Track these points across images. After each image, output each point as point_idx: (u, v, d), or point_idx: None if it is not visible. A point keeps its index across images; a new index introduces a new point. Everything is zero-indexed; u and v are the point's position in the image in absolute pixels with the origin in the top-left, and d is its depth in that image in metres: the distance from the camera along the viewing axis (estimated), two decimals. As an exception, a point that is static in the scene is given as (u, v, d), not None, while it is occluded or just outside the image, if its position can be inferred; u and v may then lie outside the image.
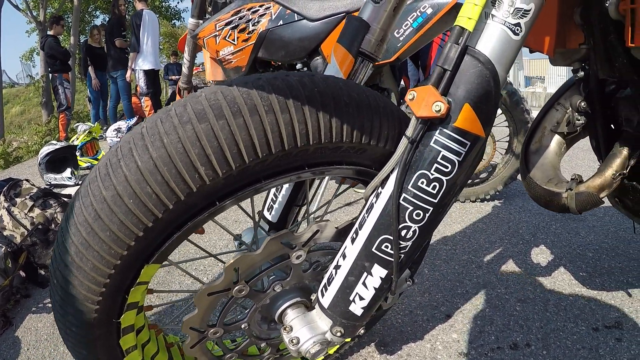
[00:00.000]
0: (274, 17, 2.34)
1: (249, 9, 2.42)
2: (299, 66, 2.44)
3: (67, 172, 4.04)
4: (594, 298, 1.73)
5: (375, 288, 0.82)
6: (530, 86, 12.76)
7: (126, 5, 7.89)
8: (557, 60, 1.24)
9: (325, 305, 0.87)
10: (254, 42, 2.35)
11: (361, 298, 0.83)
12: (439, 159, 0.74)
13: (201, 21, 2.64)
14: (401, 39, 2.22)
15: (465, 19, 0.72)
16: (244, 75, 2.46)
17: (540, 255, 2.08)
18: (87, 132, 4.73)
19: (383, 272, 0.81)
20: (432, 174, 0.74)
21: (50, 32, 7.23)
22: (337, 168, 0.82)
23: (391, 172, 0.78)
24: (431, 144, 0.74)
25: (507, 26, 0.73)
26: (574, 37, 1.17)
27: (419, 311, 1.64)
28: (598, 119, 1.19)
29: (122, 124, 5.43)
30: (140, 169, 0.67)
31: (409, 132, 0.75)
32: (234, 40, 2.43)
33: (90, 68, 7.47)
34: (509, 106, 2.57)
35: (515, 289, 1.77)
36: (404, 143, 0.76)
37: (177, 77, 9.09)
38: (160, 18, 19.37)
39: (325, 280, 0.88)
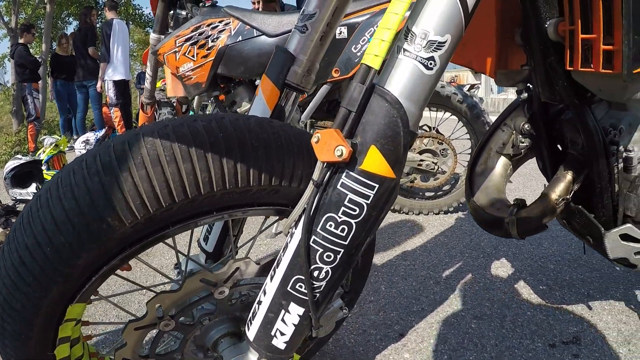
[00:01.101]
0: (233, 33, 2.36)
1: (208, 25, 2.44)
2: (258, 82, 2.46)
3: (32, 187, 4.02)
4: (553, 312, 1.77)
5: (294, 324, 0.83)
6: (502, 92, 12.89)
7: (98, 15, 7.85)
8: (500, 81, 1.24)
9: (251, 339, 0.89)
10: (213, 58, 2.37)
11: (282, 333, 0.85)
12: (346, 202, 0.75)
13: (162, 36, 2.66)
14: (358, 54, 2.26)
15: (372, 57, 0.71)
16: (203, 91, 2.49)
17: (501, 268, 2.12)
18: (53, 145, 4.71)
19: (300, 310, 0.82)
20: (340, 217, 0.75)
21: (20, 41, 7.19)
22: (251, 209, 0.84)
23: (302, 213, 0.80)
24: (338, 187, 0.75)
25: (419, 61, 0.73)
26: (516, 58, 1.18)
27: (372, 330, 1.66)
28: (543, 141, 1.20)
29: (91, 136, 5.42)
30: (55, 219, 0.71)
31: (315, 175, 0.76)
32: (193, 56, 2.45)
33: (49, 78, 7.45)
34: (469, 119, 2.62)
35: (472, 305, 1.80)
36: (310, 187, 0.77)
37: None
38: (134, 26, 19.26)
39: (250, 314, 0.90)
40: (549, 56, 0.99)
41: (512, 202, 1.22)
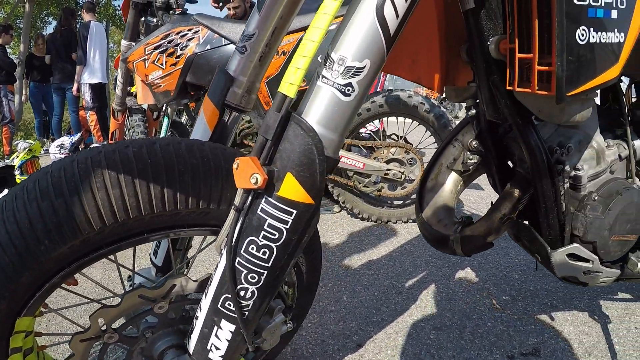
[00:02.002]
0: (201, 41, 2.40)
1: (177, 33, 2.47)
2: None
3: (4, 193, 4.01)
4: (515, 323, 1.81)
5: (227, 340, 0.87)
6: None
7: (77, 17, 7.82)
8: (450, 97, 1.26)
9: (191, 352, 0.92)
10: (181, 66, 2.40)
11: (217, 348, 0.88)
12: (266, 227, 0.78)
13: (133, 43, 2.69)
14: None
15: (287, 85, 0.74)
16: (172, 99, 2.52)
17: (465, 278, 2.17)
18: (27, 150, 4.70)
19: (231, 327, 0.86)
20: (261, 241, 0.79)
21: (-2, 41, 7.15)
22: (182, 231, 0.88)
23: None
24: (258, 212, 0.78)
25: (336, 87, 0.75)
26: (462, 75, 1.17)
27: (330, 340, 1.70)
28: (492, 158, 1.21)
29: (66, 140, 5.41)
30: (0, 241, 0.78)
31: (236, 200, 0.80)
32: (162, 64, 2.48)
33: (24, 80, 7.40)
34: (437, 128, 2.68)
35: (433, 315, 1.85)
36: (232, 212, 0.81)
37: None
38: (114, 27, 19.17)
39: (190, 328, 0.94)
40: (491, 74, 0.99)
41: (458, 219, 1.24)
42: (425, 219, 1.27)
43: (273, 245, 0.79)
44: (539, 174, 1.05)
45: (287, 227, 0.78)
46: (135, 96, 3.03)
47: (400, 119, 2.83)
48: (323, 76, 0.76)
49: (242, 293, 0.82)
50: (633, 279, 1.34)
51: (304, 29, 2.36)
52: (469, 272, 2.22)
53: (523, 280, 2.13)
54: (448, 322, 1.81)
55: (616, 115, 1.31)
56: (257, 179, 0.74)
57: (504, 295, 2.01)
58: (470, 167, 1.27)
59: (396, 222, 2.91)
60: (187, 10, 2.72)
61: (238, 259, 0.81)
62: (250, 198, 0.79)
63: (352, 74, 0.75)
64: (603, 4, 0.85)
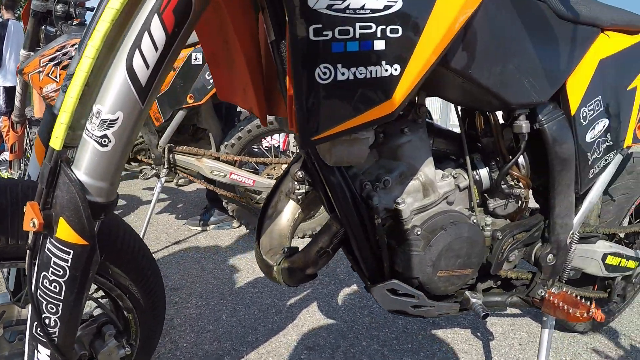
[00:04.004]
0: (97, 55, 2.44)
1: (72, 45, 2.50)
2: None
3: None
4: (391, 342, 1.92)
5: None
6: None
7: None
8: (282, 126, 1.32)
9: None
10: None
11: (44, 373, 0.98)
12: (52, 264, 0.89)
13: (32, 53, 2.70)
14: (211, 81, 2.41)
15: (54, 139, 0.83)
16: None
17: (349, 296, 2.29)
18: None
19: (47, 351, 0.96)
20: (51, 276, 0.89)
21: None
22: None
23: None
24: (45, 250, 0.89)
25: (94, 139, 0.82)
26: (282, 106, 1.16)
27: (203, 361, 1.78)
28: (320, 189, 1.21)
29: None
30: None
31: (29, 239, 0.90)
32: (56, 77, 2.51)
33: None
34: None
35: (308, 335, 1.96)
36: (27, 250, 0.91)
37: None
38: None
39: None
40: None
41: (283, 251, 1.27)
42: (259, 246, 1.31)
43: (60, 280, 0.90)
44: (343, 210, 1.10)
45: (69, 264, 0.89)
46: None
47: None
48: (86, 129, 0.84)
49: (47, 322, 0.93)
50: (494, 307, 1.45)
51: (195, 44, 2.45)
52: (354, 289, 2.34)
53: (409, 297, 2.25)
54: (322, 341, 1.91)
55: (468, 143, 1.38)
56: (34, 223, 0.84)
57: (385, 314, 2.11)
58: (299, 197, 1.29)
59: (303, 237, 3.01)
60: (86, 21, 2.75)
61: (38, 291, 0.91)
62: (37, 238, 0.89)
63: (107, 125, 0.82)
64: (357, 36, 0.81)
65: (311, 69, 0.81)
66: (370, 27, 0.82)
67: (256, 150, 2.90)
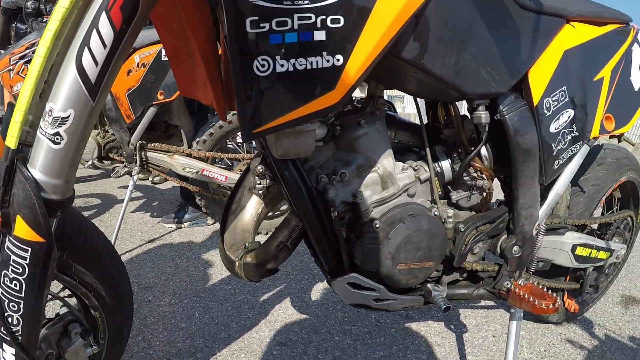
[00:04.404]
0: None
1: (43, 43, 2.46)
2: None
3: None
4: (363, 336, 1.91)
5: None
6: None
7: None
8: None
9: None
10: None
11: (8, 369, 0.97)
12: (11, 262, 0.88)
13: (2, 51, 2.66)
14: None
15: (9, 137, 0.83)
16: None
17: (322, 291, 2.27)
18: None
19: (12, 350, 0.96)
20: (11, 274, 0.89)
21: None
22: None
23: None
24: (5, 249, 0.89)
25: (47, 137, 0.83)
26: None
27: (176, 359, 1.76)
28: (280, 183, 1.17)
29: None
30: None
31: None
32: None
33: None
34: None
35: (281, 330, 1.94)
36: None
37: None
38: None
39: None
40: None
41: (244, 246, 1.26)
42: (223, 241, 1.31)
43: (20, 278, 0.90)
44: (298, 203, 1.09)
45: (27, 262, 0.88)
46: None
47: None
48: (40, 127, 0.84)
49: (10, 320, 0.93)
50: (459, 300, 1.44)
51: None
52: (327, 284, 2.31)
53: (383, 292, 2.24)
54: (295, 337, 1.90)
55: (432, 135, 1.37)
56: (-10, 221, 0.83)
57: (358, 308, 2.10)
58: (261, 192, 1.28)
59: (267, 234, 3.00)
60: (57, 18, 2.71)
61: (0, 289, 0.91)
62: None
63: (59, 123, 0.82)
64: (296, 27, 0.80)
65: (249, 61, 0.80)
66: (310, 18, 0.81)
67: (230, 146, 2.87)
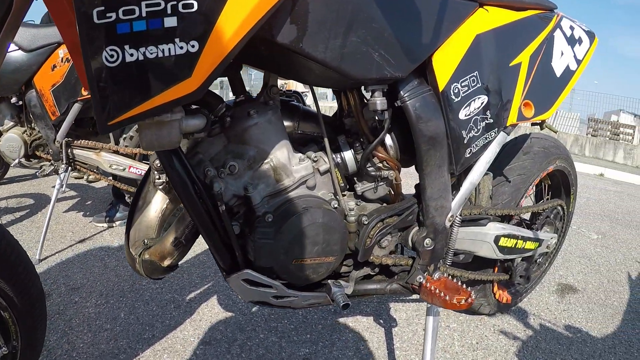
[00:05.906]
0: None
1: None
2: (14, 100, 2.42)
3: None
4: (289, 334, 1.85)
5: None
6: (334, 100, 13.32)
7: None
8: None
9: None
10: (-35, 73, 2.29)
11: None
12: None
13: None
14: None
15: None
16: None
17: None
18: None
19: None
20: None
21: None
22: None
23: None
24: None
25: None
26: None
27: (94, 362, 1.68)
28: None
29: None
30: None
31: None
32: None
33: None
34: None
35: (205, 329, 1.87)
36: None
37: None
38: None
39: None
40: None
41: (143, 243, 1.21)
42: (128, 238, 1.24)
43: None
44: (184, 198, 1.03)
45: None
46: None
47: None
48: None
49: None
50: (371, 295, 1.38)
51: None
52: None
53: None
54: (219, 335, 1.83)
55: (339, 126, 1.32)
56: None
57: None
58: (161, 187, 1.20)
59: None
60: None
61: None
62: None
63: None
64: (144, 15, 0.75)
65: (98, 52, 0.74)
66: (159, 5, 0.75)
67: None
